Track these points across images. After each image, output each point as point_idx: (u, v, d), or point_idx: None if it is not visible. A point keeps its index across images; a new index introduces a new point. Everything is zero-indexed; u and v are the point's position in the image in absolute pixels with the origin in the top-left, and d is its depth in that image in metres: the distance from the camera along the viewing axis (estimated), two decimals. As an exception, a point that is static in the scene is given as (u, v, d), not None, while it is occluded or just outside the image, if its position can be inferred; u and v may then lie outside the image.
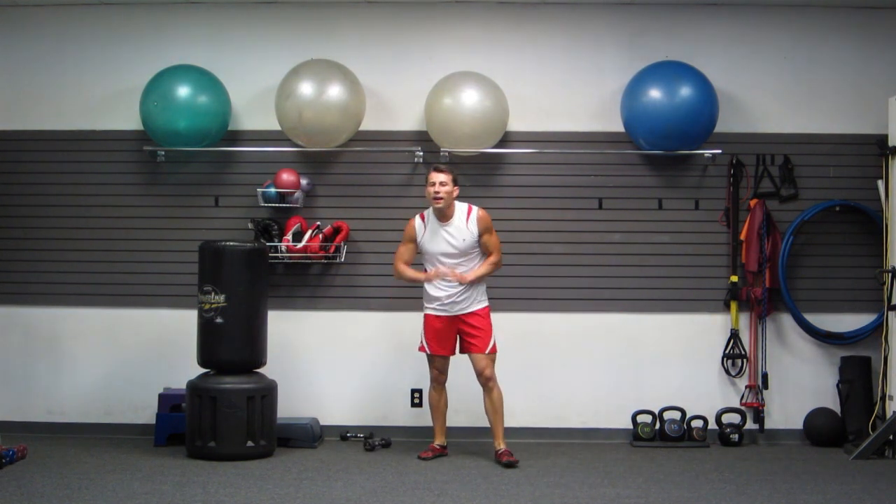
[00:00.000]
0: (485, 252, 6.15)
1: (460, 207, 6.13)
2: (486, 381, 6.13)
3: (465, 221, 6.09)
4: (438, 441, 6.30)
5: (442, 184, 6.02)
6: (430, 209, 6.15)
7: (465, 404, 6.70)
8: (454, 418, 6.64)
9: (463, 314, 6.11)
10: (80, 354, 7.01)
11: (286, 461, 6.15)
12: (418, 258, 6.26)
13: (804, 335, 6.92)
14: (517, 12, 7.04)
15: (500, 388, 6.17)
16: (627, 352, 6.95)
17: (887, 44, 6.98)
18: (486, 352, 6.11)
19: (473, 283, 6.09)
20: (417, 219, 6.19)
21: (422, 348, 6.24)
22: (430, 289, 6.13)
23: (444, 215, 6.10)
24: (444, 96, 6.72)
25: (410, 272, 6.21)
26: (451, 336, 6.18)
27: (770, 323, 6.94)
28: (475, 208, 6.14)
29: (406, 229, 6.22)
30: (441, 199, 6.02)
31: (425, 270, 6.20)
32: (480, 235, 6.09)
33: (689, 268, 6.95)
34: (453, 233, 6.08)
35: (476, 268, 6.11)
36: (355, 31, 7.07)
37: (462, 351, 6.22)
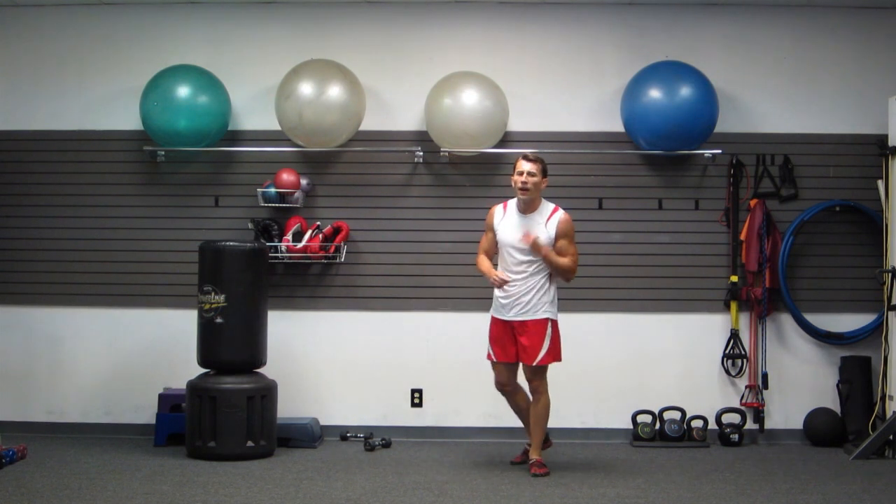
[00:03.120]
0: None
1: (546, 206, 5.81)
2: (533, 391, 5.86)
3: (546, 219, 5.76)
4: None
5: (530, 174, 5.69)
6: (515, 199, 5.84)
7: (466, 405, 6.70)
8: (454, 418, 6.66)
9: (516, 321, 5.76)
10: (80, 354, 7.01)
11: (286, 461, 6.15)
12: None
13: (804, 335, 6.92)
14: (517, 12, 7.04)
15: (548, 397, 5.87)
16: (627, 352, 6.95)
17: (887, 44, 6.98)
18: (534, 364, 5.75)
19: (533, 285, 5.71)
20: (499, 206, 5.89)
21: (489, 355, 5.90)
22: (495, 289, 5.81)
23: (527, 207, 5.77)
24: (444, 96, 6.72)
25: (484, 264, 5.84)
26: (510, 341, 5.81)
27: (770, 323, 6.94)
28: (561, 210, 5.81)
29: (486, 217, 5.92)
30: (528, 189, 5.69)
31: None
32: (556, 239, 5.73)
33: (689, 268, 6.95)
34: (529, 227, 5.72)
35: (552, 255, 5.68)
36: (355, 31, 7.06)
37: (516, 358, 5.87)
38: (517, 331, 5.79)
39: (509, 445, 6.49)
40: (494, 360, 5.88)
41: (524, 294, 5.76)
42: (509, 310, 5.79)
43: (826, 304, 6.91)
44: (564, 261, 5.74)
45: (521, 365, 5.87)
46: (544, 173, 5.79)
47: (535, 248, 5.66)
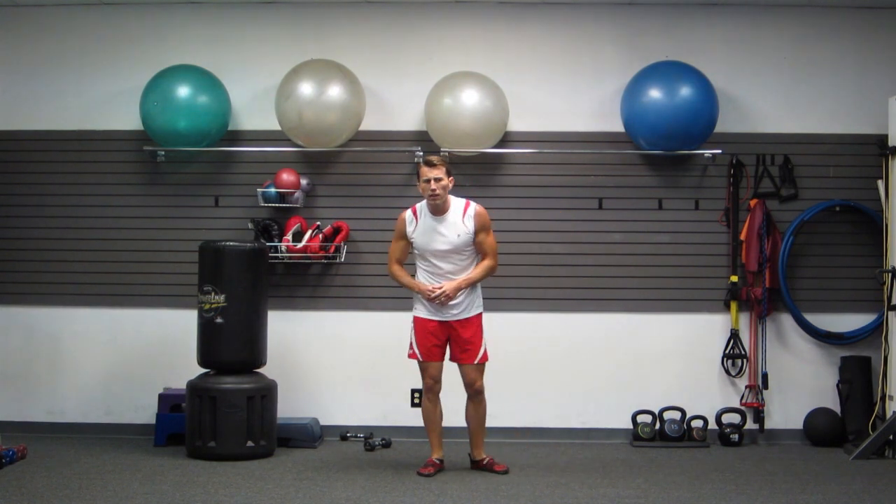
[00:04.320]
0: (479, 253, 5.80)
1: (457, 202, 5.78)
2: (476, 394, 5.82)
3: (462, 216, 5.74)
4: (437, 455, 5.89)
5: (437, 179, 5.66)
6: (424, 202, 5.81)
7: (464, 404, 6.70)
8: (453, 418, 6.63)
9: (455, 321, 5.77)
10: (80, 354, 7.01)
11: (286, 461, 6.15)
12: (411, 258, 6.05)
13: (804, 335, 6.92)
14: (517, 12, 7.04)
15: (485, 398, 5.88)
16: (627, 352, 6.95)
17: (887, 44, 6.98)
18: (476, 362, 5.79)
19: (467, 288, 5.76)
20: (408, 212, 5.83)
21: (412, 355, 5.85)
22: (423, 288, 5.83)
23: (439, 209, 5.74)
24: (444, 96, 6.72)
25: (405, 277, 5.86)
26: (443, 341, 5.82)
27: (770, 323, 6.94)
28: (473, 204, 5.79)
29: (396, 224, 5.87)
30: (437, 195, 5.68)
31: (416, 271, 5.94)
32: (476, 234, 5.73)
33: (689, 268, 6.95)
34: (447, 228, 5.73)
35: (468, 273, 5.76)
36: (355, 31, 7.07)
37: (451, 359, 5.86)
38: (459, 331, 5.78)
39: (510, 445, 6.50)
40: (422, 359, 5.82)
41: (458, 295, 5.75)
42: (445, 311, 5.76)
43: (826, 304, 6.91)
44: (485, 267, 5.79)
45: (459, 367, 5.82)
46: (449, 173, 5.77)
47: (450, 295, 5.69)
